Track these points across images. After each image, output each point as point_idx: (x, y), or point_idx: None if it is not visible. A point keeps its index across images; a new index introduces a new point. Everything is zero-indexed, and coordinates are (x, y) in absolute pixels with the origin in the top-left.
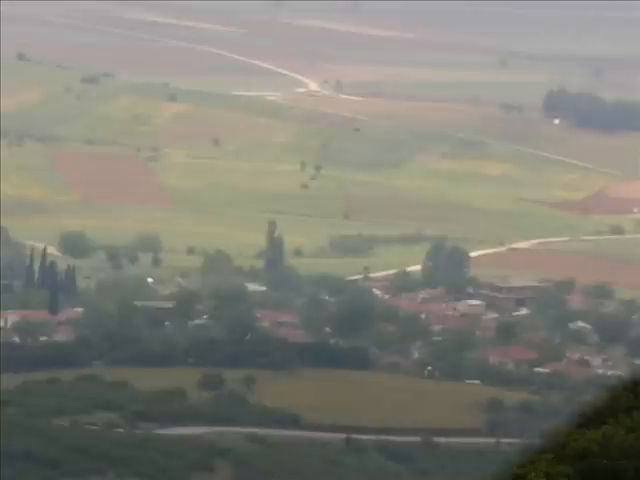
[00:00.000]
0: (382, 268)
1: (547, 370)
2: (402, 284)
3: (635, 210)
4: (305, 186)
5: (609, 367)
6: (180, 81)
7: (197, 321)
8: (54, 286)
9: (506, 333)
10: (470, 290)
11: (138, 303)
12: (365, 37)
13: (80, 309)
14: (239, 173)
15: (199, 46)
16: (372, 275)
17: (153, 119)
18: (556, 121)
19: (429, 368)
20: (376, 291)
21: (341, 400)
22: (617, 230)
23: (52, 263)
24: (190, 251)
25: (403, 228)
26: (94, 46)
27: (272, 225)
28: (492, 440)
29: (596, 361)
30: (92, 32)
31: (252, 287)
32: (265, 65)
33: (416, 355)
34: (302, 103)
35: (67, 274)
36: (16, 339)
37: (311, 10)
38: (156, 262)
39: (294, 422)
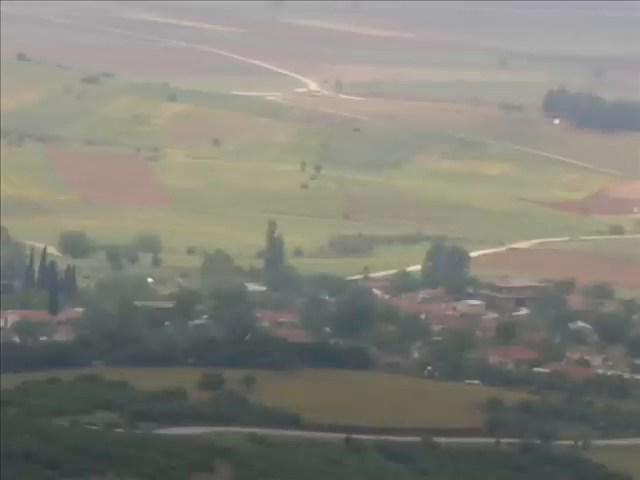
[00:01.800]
0: (382, 268)
1: (547, 370)
2: (402, 284)
3: (635, 210)
4: (305, 186)
5: (609, 367)
6: (180, 81)
7: (197, 321)
8: (54, 286)
9: (506, 333)
10: (470, 290)
11: (138, 303)
12: (365, 37)
13: (80, 309)
14: (239, 173)
15: (199, 46)
16: (372, 275)
17: (153, 119)
18: (556, 121)
19: (429, 368)
20: (376, 291)
21: (341, 400)
22: (617, 230)
23: (52, 263)
24: (190, 251)
25: (403, 228)
26: (94, 46)
27: (272, 225)
28: (492, 440)
29: (596, 361)
30: (92, 32)
31: (252, 287)
32: (265, 65)
33: (416, 355)
34: (302, 103)
35: (67, 274)
36: (16, 339)
37: (311, 10)
38: (156, 262)
39: (294, 422)
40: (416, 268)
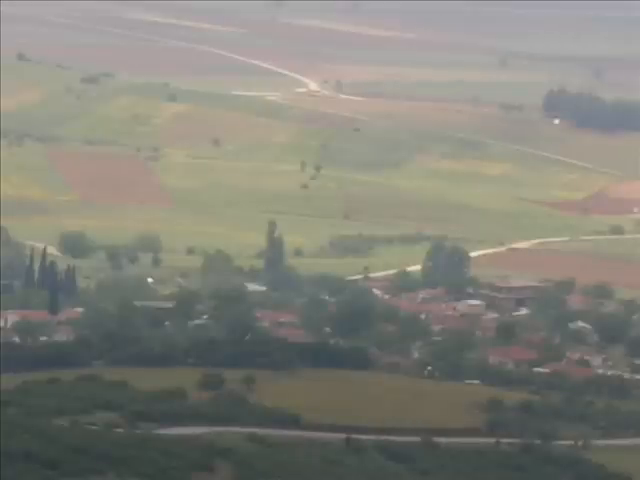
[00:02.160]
0: (382, 268)
1: (547, 370)
2: (402, 284)
3: (635, 210)
4: (305, 186)
5: (609, 367)
6: (180, 81)
7: (197, 321)
8: (54, 286)
9: (506, 333)
10: (470, 290)
11: (138, 303)
12: (365, 37)
13: (80, 309)
14: (239, 173)
15: (199, 46)
16: (372, 275)
17: (153, 119)
18: (556, 121)
19: (429, 368)
20: (376, 291)
21: (341, 400)
22: (617, 230)
23: (52, 263)
24: (190, 251)
25: (403, 228)
26: (94, 46)
27: (272, 225)
28: (492, 440)
29: (596, 361)
30: (92, 32)
31: (252, 287)
32: (265, 65)
33: (416, 355)
34: (302, 103)
35: (67, 274)
36: (16, 339)
37: (311, 10)
38: (156, 262)
39: (294, 422)
40: (416, 268)
